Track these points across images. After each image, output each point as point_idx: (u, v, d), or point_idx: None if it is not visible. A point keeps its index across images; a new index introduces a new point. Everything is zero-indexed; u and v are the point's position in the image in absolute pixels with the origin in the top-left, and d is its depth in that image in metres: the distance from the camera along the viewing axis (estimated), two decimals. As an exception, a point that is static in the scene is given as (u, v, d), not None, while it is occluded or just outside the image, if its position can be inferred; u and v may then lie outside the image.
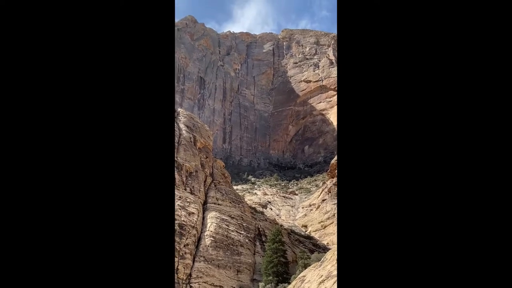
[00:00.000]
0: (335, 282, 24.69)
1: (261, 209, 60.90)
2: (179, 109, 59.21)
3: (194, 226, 39.96)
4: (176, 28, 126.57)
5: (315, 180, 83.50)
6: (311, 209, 63.37)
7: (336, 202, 58.02)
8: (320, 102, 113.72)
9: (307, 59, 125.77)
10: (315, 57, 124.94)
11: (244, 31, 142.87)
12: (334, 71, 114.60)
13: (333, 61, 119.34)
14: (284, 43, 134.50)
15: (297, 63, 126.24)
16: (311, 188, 78.35)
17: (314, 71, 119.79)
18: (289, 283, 32.49)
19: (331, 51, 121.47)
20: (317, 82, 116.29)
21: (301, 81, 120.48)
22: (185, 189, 43.97)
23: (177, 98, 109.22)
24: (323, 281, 25.94)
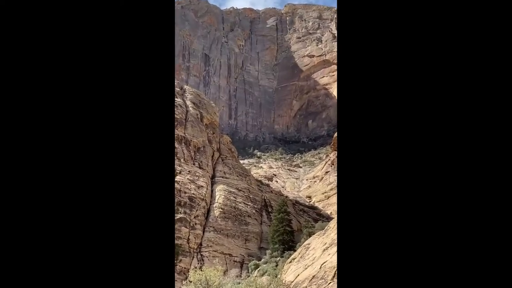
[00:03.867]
0: (338, 249, 25.14)
1: (267, 181, 61.41)
2: (185, 87, 58.90)
3: (203, 199, 40.61)
4: (180, 6, 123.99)
5: (319, 153, 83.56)
6: (315, 181, 63.78)
7: (339, 174, 58.33)
8: (323, 76, 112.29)
9: (310, 33, 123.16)
10: (318, 31, 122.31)
11: (247, 7, 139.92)
12: (336, 45, 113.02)
13: (336, 35, 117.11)
14: (287, 18, 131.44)
15: (300, 38, 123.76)
16: (314, 161, 78.55)
17: (317, 45, 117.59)
18: (295, 251, 32.99)
19: (334, 25, 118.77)
20: (320, 57, 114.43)
21: (304, 56, 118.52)
22: (194, 164, 44.46)
23: (183, 75, 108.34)
24: (326, 248, 26.47)
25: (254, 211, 43.89)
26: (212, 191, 43.10)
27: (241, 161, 64.50)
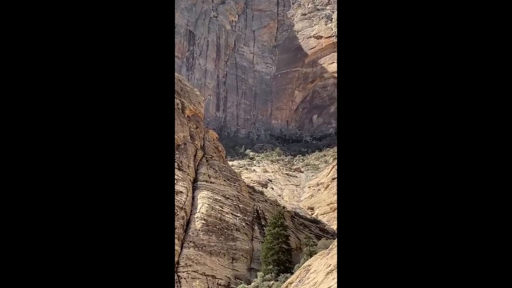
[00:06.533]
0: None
1: (260, 188, 61.43)
2: (164, 70, 58.80)
3: (182, 207, 40.48)
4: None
5: (324, 156, 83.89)
6: (319, 189, 63.94)
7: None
8: (333, 62, 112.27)
9: (317, 10, 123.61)
10: (327, 7, 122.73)
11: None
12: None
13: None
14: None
15: (305, 14, 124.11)
16: (319, 165, 78.80)
17: (326, 24, 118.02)
18: (292, 273, 33.09)
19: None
20: (329, 38, 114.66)
21: (310, 37, 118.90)
22: (172, 165, 44.32)
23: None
24: (331, 271, 26.45)
25: (244, 224, 43.85)
26: (193, 198, 43.01)
27: (230, 163, 64.43)
